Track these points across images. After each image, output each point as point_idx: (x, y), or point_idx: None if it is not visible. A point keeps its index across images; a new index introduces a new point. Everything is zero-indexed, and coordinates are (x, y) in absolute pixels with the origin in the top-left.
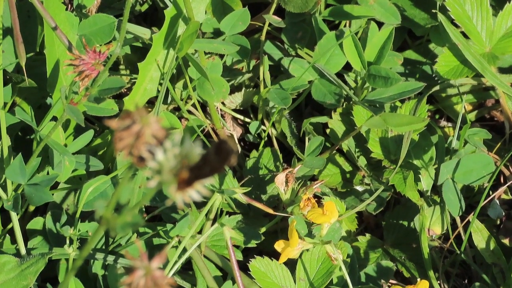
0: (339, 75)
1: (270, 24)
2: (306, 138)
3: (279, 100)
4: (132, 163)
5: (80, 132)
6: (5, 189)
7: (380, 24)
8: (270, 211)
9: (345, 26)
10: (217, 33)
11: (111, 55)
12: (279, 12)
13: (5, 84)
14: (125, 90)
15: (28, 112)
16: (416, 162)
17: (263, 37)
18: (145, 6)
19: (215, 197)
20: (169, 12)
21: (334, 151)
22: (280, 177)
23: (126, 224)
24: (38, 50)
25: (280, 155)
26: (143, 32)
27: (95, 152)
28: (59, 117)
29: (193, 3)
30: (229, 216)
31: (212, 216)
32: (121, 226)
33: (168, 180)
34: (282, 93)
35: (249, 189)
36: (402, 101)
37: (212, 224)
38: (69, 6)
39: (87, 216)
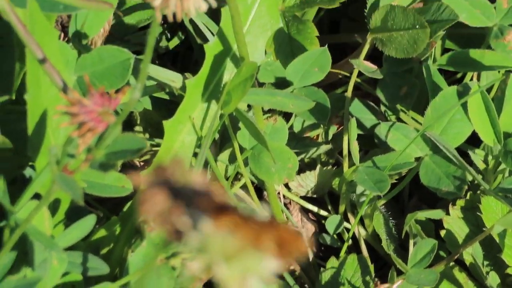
0: (461, 151)
1: (360, 74)
2: (410, 242)
3: (371, 184)
4: (165, 238)
5: (75, 219)
6: None
7: None
8: None
9: (471, 79)
10: (281, 85)
11: (125, 104)
12: (374, 57)
13: None
14: (142, 162)
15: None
16: None
17: (349, 93)
18: (175, 42)
19: None
20: (212, 48)
21: (452, 263)
22: None
23: None
24: (14, 98)
25: (371, 266)
26: (172, 77)
27: (97, 249)
28: (44, 194)
29: (248, 37)
30: None
31: None
32: None
33: (219, 261)
34: (376, 174)
35: None
36: None
37: None
38: (62, 35)
39: None
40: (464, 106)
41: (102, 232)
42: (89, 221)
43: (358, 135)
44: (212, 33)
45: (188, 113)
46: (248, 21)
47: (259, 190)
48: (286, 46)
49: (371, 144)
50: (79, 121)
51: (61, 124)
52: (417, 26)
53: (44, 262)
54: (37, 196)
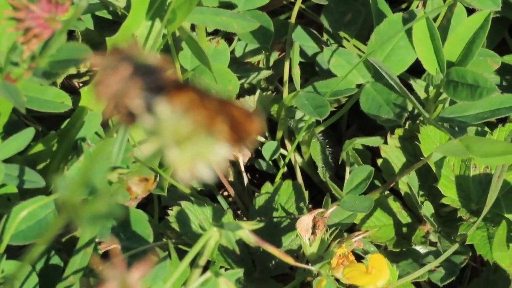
0: (403, 80)
1: (304, 1)
2: (347, 170)
3: (311, 109)
4: (120, 120)
5: (13, 132)
6: None
7: (470, 10)
8: (291, 261)
9: (417, 7)
10: (226, 8)
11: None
12: None
13: None
14: (81, 84)
15: None
16: (509, 215)
17: (292, 19)
18: None
19: (209, 233)
20: None
21: (387, 192)
22: (305, 222)
23: (98, 215)
24: None
25: (306, 192)
26: None
27: (34, 163)
28: None
29: None
30: (225, 271)
31: (202, 262)
32: (91, 217)
33: (171, 144)
34: (316, 99)
35: (261, 225)
36: (493, 125)
37: (202, 274)
38: None
39: (17, 252)
40: (409, 33)
41: (39, 147)
42: (27, 134)
43: (299, 62)
44: None
45: (131, 31)
46: None
47: None
48: None
49: (311, 72)
50: (25, 26)
51: (8, 29)
52: None
53: None
54: None
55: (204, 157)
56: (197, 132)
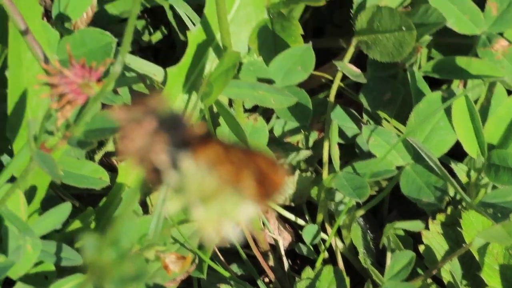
0: (444, 163)
1: (343, 79)
2: (388, 255)
3: (350, 191)
4: (144, 177)
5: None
6: None
7: (510, 90)
8: None
9: (458, 87)
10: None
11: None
12: (359, 63)
13: None
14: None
15: None
16: None
17: (331, 97)
18: (158, 36)
19: None
20: (194, 36)
21: (430, 280)
22: None
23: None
24: None
25: (347, 279)
26: (153, 70)
27: (71, 241)
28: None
29: (232, 26)
30: None
31: None
32: (119, 279)
33: (196, 202)
34: (355, 180)
35: None
36: None
37: None
38: (45, 17)
39: None
40: (448, 114)
41: (77, 224)
42: (64, 209)
43: (339, 144)
44: (193, 24)
45: (168, 104)
46: (233, 10)
47: None
48: (270, 43)
49: (351, 154)
50: (59, 92)
51: (41, 95)
52: (404, 28)
53: (18, 249)
54: (14, 180)
55: (230, 216)
56: (223, 189)
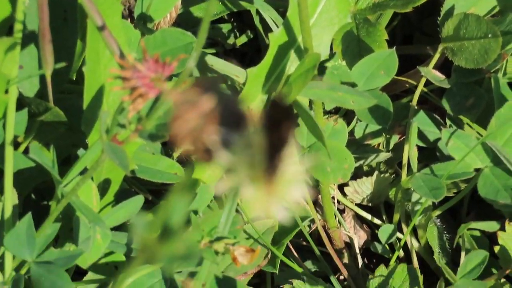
0: None
1: (428, 85)
2: (462, 255)
3: (427, 191)
4: (196, 157)
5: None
6: (1, 267)
7: None
8: None
9: None
10: None
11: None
12: (444, 70)
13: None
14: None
15: (49, 157)
16: None
17: (414, 102)
18: (243, 39)
19: None
20: (276, 38)
21: (503, 280)
22: None
23: (175, 256)
24: (74, 78)
25: (421, 277)
26: (236, 72)
27: None
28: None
29: (315, 29)
30: None
31: None
32: (168, 258)
33: (246, 182)
34: (432, 181)
35: None
36: None
37: None
38: (129, 18)
39: None
40: None
41: (149, 217)
42: (136, 202)
43: (420, 147)
44: (276, 26)
45: (247, 104)
46: (316, 13)
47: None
48: (354, 48)
49: (433, 158)
50: (131, 85)
51: (114, 88)
52: (489, 35)
53: (88, 239)
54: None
55: (280, 196)
56: (273, 169)
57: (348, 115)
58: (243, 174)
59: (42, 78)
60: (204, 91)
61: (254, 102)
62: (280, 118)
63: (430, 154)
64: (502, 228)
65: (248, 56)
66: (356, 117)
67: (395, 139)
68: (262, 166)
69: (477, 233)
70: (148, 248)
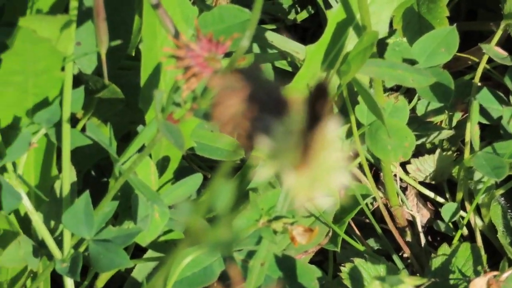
0: None
1: (491, 62)
2: None
3: (488, 170)
4: (238, 145)
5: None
6: (60, 245)
7: None
8: None
9: None
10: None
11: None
12: (508, 47)
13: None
14: None
15: (106, 135)
16: None
17: (476, 79)
18: (304, 15)
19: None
20: (334, 16)
21: None
22: (479, 284)
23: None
24: (133, 55)
25: (484, 256)
26: (296, 48)
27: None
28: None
29: (373, 6)
30: None
31: None
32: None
33: (288, 169)
34: (494, 160)
35: (423, 280)
36: None
37: None
38: None
39: None
40: None
41: (206, 196)
42: (195, 180)
43: (484, 125)
44: (336, 1)
45: (305, 81)
46: None
47: (376, 170)
48: (415, 24)
49: (496, 135)
50: (185, 65)
51: (167, 67)
52: None
53: (146, 217)
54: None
55: (323, 183)
56: (316, 156)
57: (409, 92)
58: (285, 161)
59: (100, 55)
60: (247, 77)
61: (314, 79)
62: (323, 104)
63: (494, 131)
64: None
65: (310, 31)
66: (417, 94)
67: (457, 116)
68: (304, 153)
69: None
70: (194, 233)
